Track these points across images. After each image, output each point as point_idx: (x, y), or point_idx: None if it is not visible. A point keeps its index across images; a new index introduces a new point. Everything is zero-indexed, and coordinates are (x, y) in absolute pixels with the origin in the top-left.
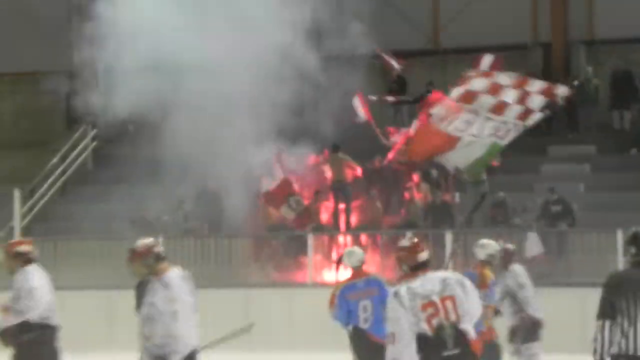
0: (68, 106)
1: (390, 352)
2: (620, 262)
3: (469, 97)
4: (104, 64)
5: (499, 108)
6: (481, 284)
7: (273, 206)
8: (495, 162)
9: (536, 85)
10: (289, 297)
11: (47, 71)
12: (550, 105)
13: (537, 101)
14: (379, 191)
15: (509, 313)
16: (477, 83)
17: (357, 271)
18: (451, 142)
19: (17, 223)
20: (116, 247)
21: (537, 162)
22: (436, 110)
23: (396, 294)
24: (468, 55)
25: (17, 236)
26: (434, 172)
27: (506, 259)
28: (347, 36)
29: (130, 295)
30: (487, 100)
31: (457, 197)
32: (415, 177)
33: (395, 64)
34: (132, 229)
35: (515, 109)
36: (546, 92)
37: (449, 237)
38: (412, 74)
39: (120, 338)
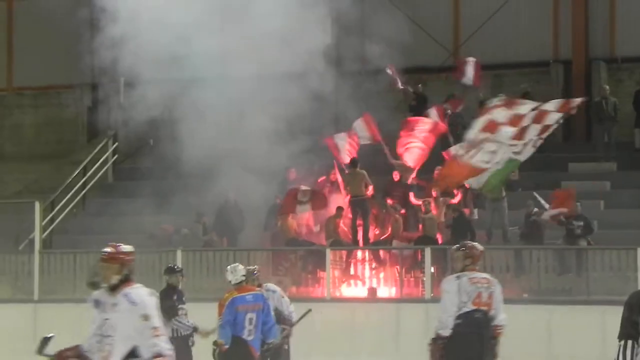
0: (89, 119)
1: (439, 318)
2: None
3: (492, 127)
4: (125, 77)
5: (520, 134)
6: None
7: (287, 213)
8: (514, 176)
9: (553, 104)
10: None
11: (68, 85)
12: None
13: (554, 118)
14: (396, 206)
15: None
16: (499, 114)
17: (242, 286)
18: (477, 171)
19: (37, 235)
20: (135, 261)
21: (557, 179)
22: (455, 150)
23: (459, 277)
24: (488, 71)
25: (37, 249)
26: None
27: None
28: (367, 52)
29: None
30: (509, 131)
31: (475, 213)
32: (434, 192)
33: (399, 81)
34: (151, 243)
35: (534, 128)
36: (562, 108)
37: None
38: (432, 89)
39: None
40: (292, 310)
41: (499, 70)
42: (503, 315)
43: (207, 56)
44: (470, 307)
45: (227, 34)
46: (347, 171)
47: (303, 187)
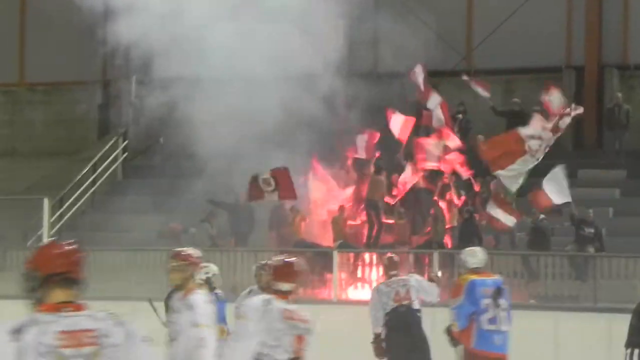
0: (100, 116)
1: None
2: None
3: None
4: (136, 75)
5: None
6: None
7: (255, 199)
8: None
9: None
10: (313, 314)
11: (80, 81)
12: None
13: (565, 122)
14: (407, 210)
15: None
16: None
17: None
18: (517, 151)
19: (45, 232)
20: (144, 259)
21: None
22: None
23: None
24: (500, 76)
25: None
26: (462, 192)
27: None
28: (380, 56)
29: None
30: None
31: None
32: (449, 195)
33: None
34: (160, 241)
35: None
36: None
37: None
38: (443, 93)
39: None
40: None
41: (511, 75)
42: (430, 297)
43: (218, 55)
44: (393, 304)
45: (239, 33)
46: (365, 172)
47: (264, 176)
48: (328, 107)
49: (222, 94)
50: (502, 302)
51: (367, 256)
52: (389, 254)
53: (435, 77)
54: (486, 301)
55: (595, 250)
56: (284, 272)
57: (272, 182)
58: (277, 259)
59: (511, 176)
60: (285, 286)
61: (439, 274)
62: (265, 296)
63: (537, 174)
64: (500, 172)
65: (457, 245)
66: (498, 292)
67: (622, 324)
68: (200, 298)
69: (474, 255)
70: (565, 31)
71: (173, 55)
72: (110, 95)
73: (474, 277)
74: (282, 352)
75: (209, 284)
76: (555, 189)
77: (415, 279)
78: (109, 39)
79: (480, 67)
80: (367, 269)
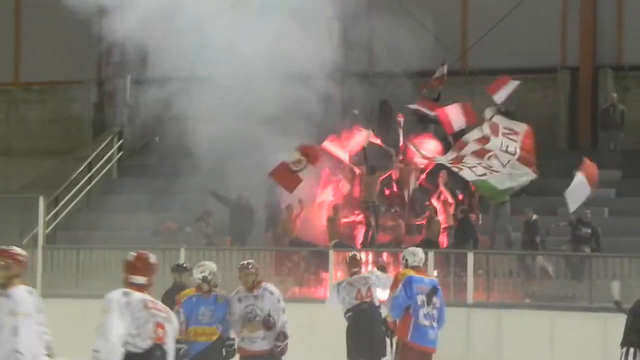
0: (95, 115)
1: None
2: None
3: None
4: (131, 74)
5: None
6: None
7: (294, 187)
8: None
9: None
10: (309, 312)
11: (74, 80)
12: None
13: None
14: (401, 210)
15: None
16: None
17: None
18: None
19: (41, 230)
20: None
21: (561, 186)
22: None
23: (339, 284)
24: (495, 77)
25: (40, 244)
26: (458, 192)
27: None
28: (374, 55)
29: None
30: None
31: (480, 217)
32: (444, 194)
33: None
34: (155, 240)
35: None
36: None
37: (470, 258)
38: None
39: None
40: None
41: (505, 76)
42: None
43: (214, 54)
44: (354, 302)
45: (235, 32)
46: (359, 173)
47: (291, 160)
48: (324, 107)
49: (217, 93)
50: (436, 300)
51: (362, 255)
52: (351, 253)
53: (429, 78)
54: (422, 297)
55: (592, 250)
56: (137, 266)
57: (302, 159)
58: (131, 254)
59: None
60: (139, 279)
61: (435, 273)
62: (123, 289)
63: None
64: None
65: (453, 245)
66: (433, 291)
67: (617, 323)
68: (21, 289)
69: (414, 255)
70: (560, 32)
71: (168, 54)
72: (105, 94)
73: (412, 273)
74: (143, 340)
75: (206, 282)
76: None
77: (375, 275)
78: (104, 38)
79: (475, 68)
80: (363, 269)
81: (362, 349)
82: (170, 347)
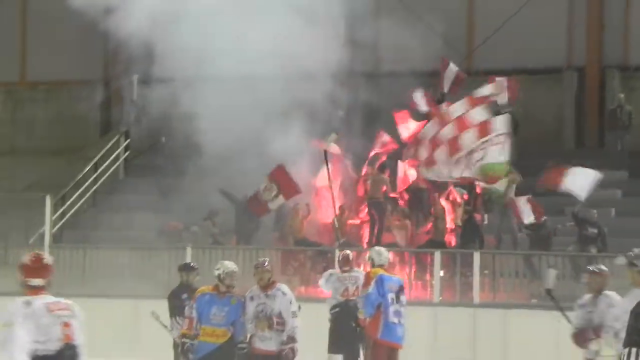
0: (102, 115)
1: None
2: None
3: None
4: (138, 73)
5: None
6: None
7: (296, 193)
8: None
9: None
10: (315, 311)
11: (81, 80)
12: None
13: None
14: (409, 209)
15: None
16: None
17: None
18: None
19: (47, 230)
20: (145, 257)
21: None
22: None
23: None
24: (501, 77)
25: (47, 243)
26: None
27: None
28: (381, 56)
29: (156, 305)
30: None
31: (485, 218)
32: (452, 194)
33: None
34: (161, 240)
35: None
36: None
37: (476, 257)
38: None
39: (146, 347)
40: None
41: (512, 76)
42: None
43: (220, 54)
44: (341, 299)
45: (240, 32)
46: (367, 172)
47: (262, 185)
48: (329, 107)
49: (223, 92)
50: (403, 298)
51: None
52: (343, 251)
53: (435, 78)
54: (392, 295)
55: (598, 250)
56: (33, 267)
57: (274, 187)
58: (26, 256)
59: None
60: (37, 282)
61: (441, 273)
62: (22, 298)
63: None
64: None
65: (459, 245)
66: (401, 289)
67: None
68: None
69: (380, 254)
70: (567, 32)
71: (174, 53)
72: (111, 93)
73: (382, 272)
74: (53, 343)
75: (220, 282)
76: (579, 183)
77: (362, 274)
78: (110, 38)
79: (481, 68)
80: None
81: (344, 345)
82: (79, 341)
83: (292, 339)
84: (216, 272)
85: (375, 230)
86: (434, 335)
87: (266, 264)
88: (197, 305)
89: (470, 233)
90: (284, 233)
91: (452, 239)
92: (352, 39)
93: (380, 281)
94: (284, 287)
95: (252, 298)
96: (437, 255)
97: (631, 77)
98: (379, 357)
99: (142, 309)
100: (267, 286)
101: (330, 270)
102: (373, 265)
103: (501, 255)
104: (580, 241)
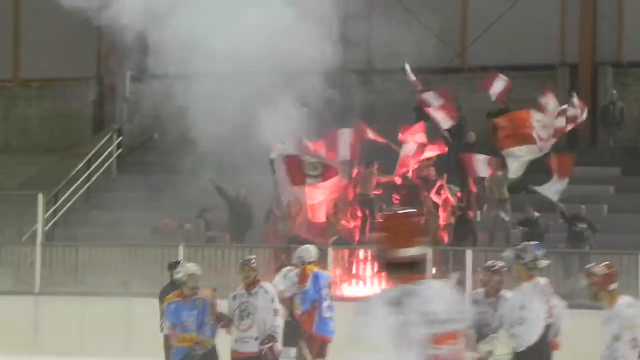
0: (94, 112)
1: None
2: None
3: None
4: (130, 70)
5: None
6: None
7: (299, 184)
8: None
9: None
10: None
11: (74, 77)
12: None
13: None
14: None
15: None
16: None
17: None
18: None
19: (40, 227)
20: (138, 254)
21: None
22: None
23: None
24: (494, 74)
25: (39, 241)
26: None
27: None
28: (374, 52)
29: (149, 302)
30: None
31: (478, 215)
32: (444, 192)
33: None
34: (154, 237)
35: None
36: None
37: (469, 255)
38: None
39: (139, 345)
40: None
41: (505, 72)
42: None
43: (213, 51)
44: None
45: (234, 29)
46: (357, 169)
47: (310, 160)
48: (322, 104)
49: (216, 89)
50: (332, 294)
51: (361, 253)
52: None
53: (429, 75)
54: (325, 291)
55: (590, 247)
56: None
57: (319, 167)
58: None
59: (516, 157)
60: None
61: (433, 270)
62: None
63: (535, 170)
64: (508, 151)
65: (452, 242)
66: (331, 285)
67: None
68: None
69: (309, 252)
70: (560, 29)
71: (167, 50)
72: (104, 91)
73: (316, 269)
74: None
75: (181, 284)
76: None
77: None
78: (103, 35)
79: (474, 65)
80: (361, 266)
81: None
82: None
83: (272, 338)
84: (178, 275)
85: (367, 227)
86: None
87: (253, 261)
88: (167, 318)
89: (463, 230)
90: (277, 229)
91: (444, 236)
92: (345, 36)
93: (316, 278)
94: (267, 286)
95: (234, 297)
96: (430, 252)
97: (624, 73)
98: (313, 350)
99: (134, 306)
100: (250, 284)
101: (287, 268)
102: (303, 263)
103: (494, 252)
104: (570, 237)
